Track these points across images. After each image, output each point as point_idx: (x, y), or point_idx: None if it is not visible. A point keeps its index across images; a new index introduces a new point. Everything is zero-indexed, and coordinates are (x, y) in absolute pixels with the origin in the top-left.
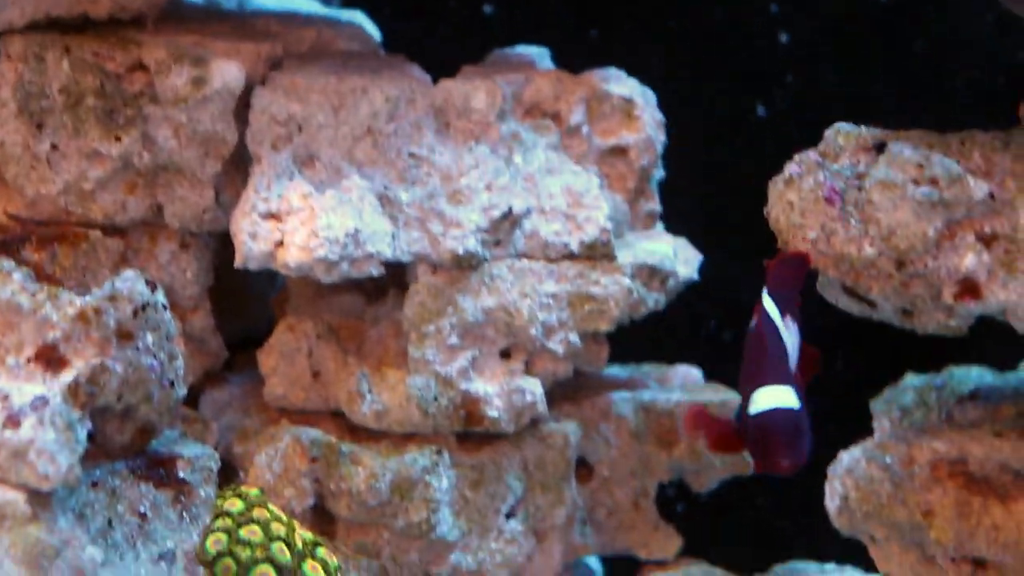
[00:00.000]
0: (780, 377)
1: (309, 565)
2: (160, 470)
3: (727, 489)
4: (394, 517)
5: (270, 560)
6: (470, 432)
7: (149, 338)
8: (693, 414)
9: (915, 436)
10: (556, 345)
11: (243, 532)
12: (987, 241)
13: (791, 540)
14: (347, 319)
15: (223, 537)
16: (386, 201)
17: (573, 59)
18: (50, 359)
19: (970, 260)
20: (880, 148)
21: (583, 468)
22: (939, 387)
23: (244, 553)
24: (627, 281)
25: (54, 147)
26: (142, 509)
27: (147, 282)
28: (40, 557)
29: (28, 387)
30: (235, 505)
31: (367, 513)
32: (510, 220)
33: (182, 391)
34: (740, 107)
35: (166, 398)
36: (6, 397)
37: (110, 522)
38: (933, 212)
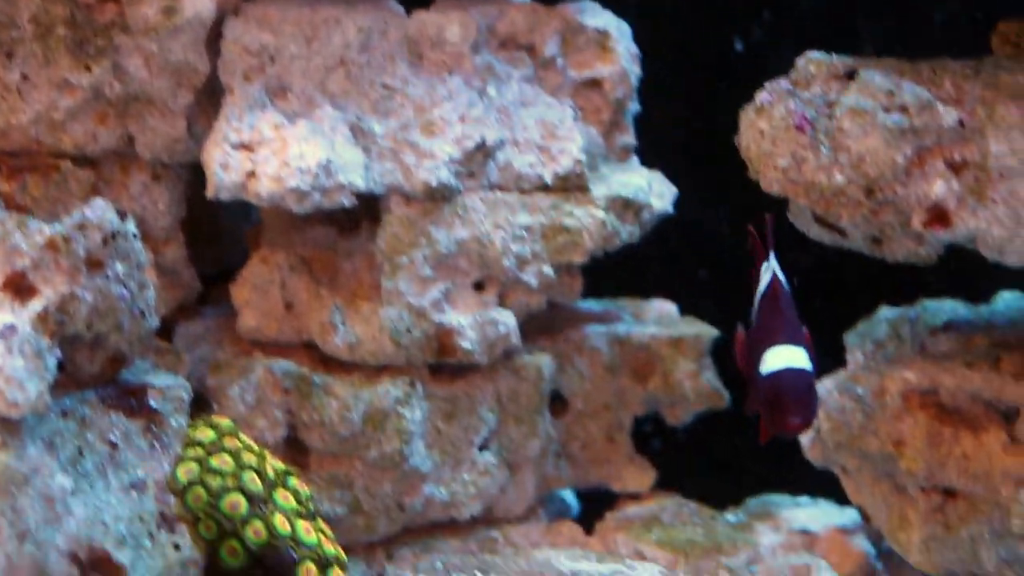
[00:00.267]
0: (792, 337)
1: (280, 494)
2: (131, 399)
3: (701, 423)
4: (367, 448)
5: (241, 489)
6: (443, 364)
7: (119, 267)
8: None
9: (887, 367)
10: (529, 277)
11: (214, 461)
12: (957, 168)
13: (764, 474)
14: (320, 251)
15: (194, 466)
16: (359, 132)
17: None
18: (19, 287)
19: (939, 187)
20: (851, 76)
21: (557, 401)
22: (912, 319)
23: (215, 482)
24: (601, 213)
25: (24, 77)
26: (112, 438)
27: (117, 211)
28: (9, 484)
29: None
30: (206, 435)
31: (340, 444)
32: (483, 152)
33: (154, 321)
34: (716, 41)
35: (137, 327)
36: None
37: (80, 451)
38: (903, 139)
